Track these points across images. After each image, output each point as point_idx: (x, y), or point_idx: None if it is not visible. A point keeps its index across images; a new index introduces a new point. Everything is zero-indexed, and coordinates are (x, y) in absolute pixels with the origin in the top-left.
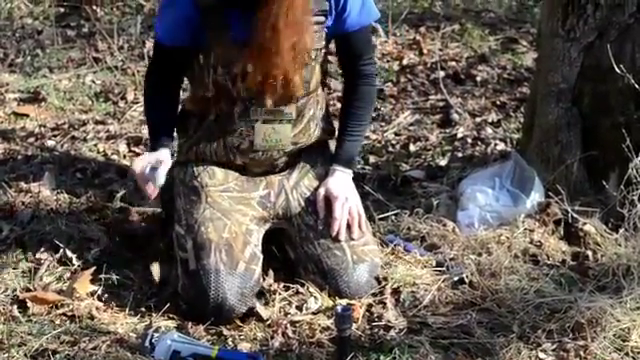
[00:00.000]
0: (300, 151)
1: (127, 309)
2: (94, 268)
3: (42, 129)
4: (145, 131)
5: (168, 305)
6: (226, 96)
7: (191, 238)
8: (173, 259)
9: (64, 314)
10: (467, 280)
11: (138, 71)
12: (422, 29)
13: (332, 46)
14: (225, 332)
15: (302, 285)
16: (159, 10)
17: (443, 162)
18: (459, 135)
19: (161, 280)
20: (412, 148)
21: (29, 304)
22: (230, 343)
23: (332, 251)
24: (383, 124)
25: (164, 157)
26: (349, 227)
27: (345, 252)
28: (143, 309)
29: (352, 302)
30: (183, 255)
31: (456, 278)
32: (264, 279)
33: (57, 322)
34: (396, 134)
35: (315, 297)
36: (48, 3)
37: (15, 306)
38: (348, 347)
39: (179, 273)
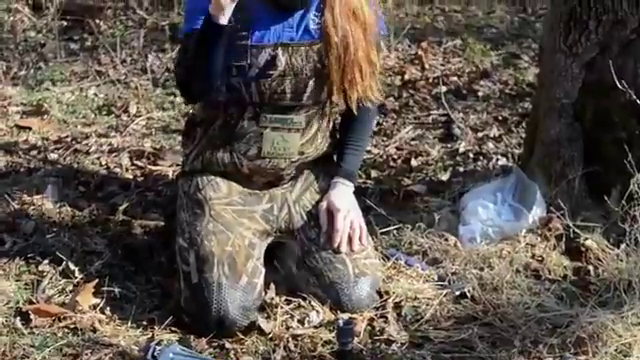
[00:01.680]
0: (305, 164)
1: (129, 322)
2: (96, 281)
3: (45, 142)
4: (147, 144)
5: (170, 318)
6: (237, 100)
7: (194, 251)
8: (176, 272)
9: (66, 327)
10: (469, 295)
11: (141, 84)
12: (424, 44)
13: None
14: (227, 345)
15: (304, 299)
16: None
17: (445, 177)
18: (461, 150)
19: (164, 293)
20: (414, 163)
21: (32, 316)
22: (232, 356)
23: (334, 264)
24: (385, 138)
25: None
26: (350, 240)
27: (347, 266)
28: (145, 322)
29: (354, 316)
30: (185, 268)
31: (458, 292)
32: (266, 292)
33: (59, 335)
34: (398, 148)
35: (317, 311)
36: (51, 16)
37: (18, 318)
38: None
39: (181, 286)
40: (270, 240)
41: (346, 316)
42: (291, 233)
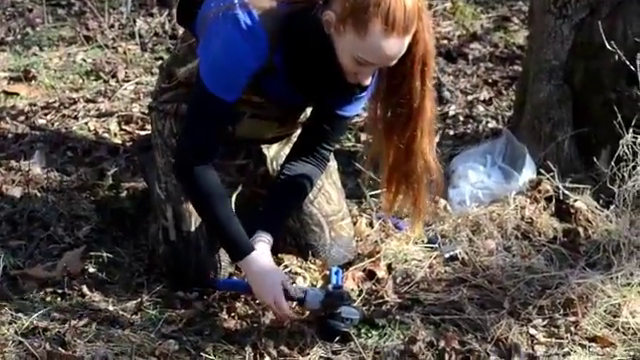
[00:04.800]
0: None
1: (117, 287)
2: (85, 246)
3: (32, 108)
4: (136, 109)
5: (158, 283)
6: (249, 103)
7: (171, 206)
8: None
9: (54, 292)
10: (459, 257)
11: (129, 49)
12: None
13: None
14: (216, 310)
15: (286, 267)
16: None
17: (435, 140)
18: (451, 113)
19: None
20: None
21: (19, 281)
22: (221, 320)
23: (310, 227)
24: None
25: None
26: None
27: (323, 229)
28: (134, 286)
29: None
30: (164, 222)
31: (447, 255)
32: None
33: (47, 300)
34: None
35: (304, 277)
36: None
37: (6, 283)
38: (339, 323)
39: (159, 237)
40: (240, 189)
41: (335, 279)
42: (266, 187)
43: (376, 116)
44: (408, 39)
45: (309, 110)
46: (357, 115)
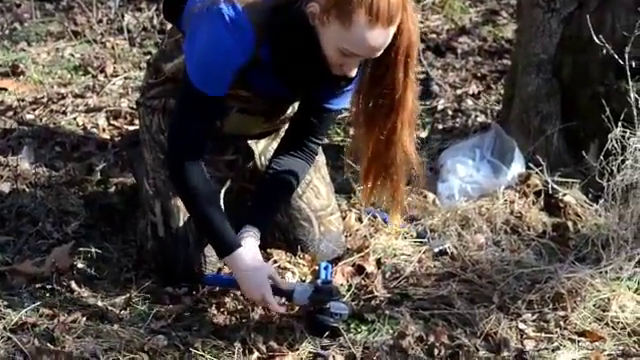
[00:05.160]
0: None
1: (106, 282)
2: (73, 241)
3: (21, 103)
4: (124, 104)
5: (147, 278)
6: (236, 98)
7: (159, 202)
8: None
9: (43, 287)
10: (448, 252)
11: (117, 44)
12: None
13: None
14: (205, 305)
15: (275, 262)
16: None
17: (423, 134)
18: (439, 107)
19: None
20: None
21: (8, 277)
22: (210, 315)
23: (299, 221)
24: None
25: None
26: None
27: (312, 223)
28: (122, 282)
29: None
30: (152, 218)
31: (437, 250)
32: None
33: (36, 295)
34: None
35: (292, 272)
36: None
37: None
38: (328, 318)
39: (148, 232)
40: (229, 184)
41: (324, 274)
42: (255, 182)
43: (358, 108)
44: (393, 30)
45: (296, 105)
46: (345, 109)
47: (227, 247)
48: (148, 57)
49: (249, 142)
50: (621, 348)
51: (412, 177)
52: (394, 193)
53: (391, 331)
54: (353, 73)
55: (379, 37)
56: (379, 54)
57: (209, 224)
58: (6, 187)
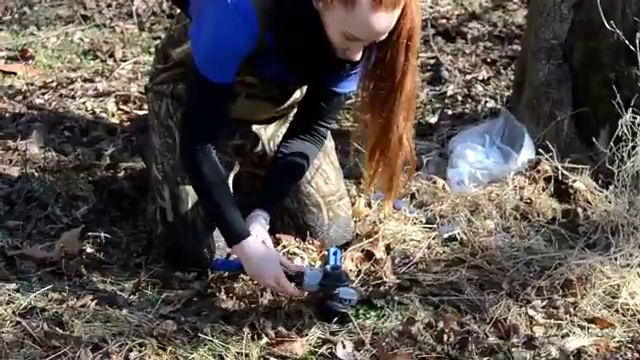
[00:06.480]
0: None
1: (115, 267)
2: (82, 226)
3: (30, 87)
4: (134, 89)
5: (156, 263)
6: (244, 84)
7: (168, 187)
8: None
9: (52, 272)
10: (458, 237)
11: (127, 29)
12: None
13: None
14: (215, 290)
15: (284, 247)
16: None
17: (433, 120)
18: (449, 93)
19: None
20: None
21: (17, 261)
22: (220, 300)
23: (308, 207)
24: None
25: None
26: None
27: (321, 209)
28: (131, 267)
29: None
30: (161, 203)
31: (446, 235)
32: None
33: (45, 280)
34: None
35: (301, 257)
36: None
37: (3, 263)
38: (337, 304)
39: (157, 217)
40: (238, 169)
41: (333, 260)
42: (264, 168)
43: (363, 92)
44: (397, 13)
45: (304, 89)
46: (353, 92)
47: (236, 235)
48: (157, 42)
49: (257, 127)
50: (631, 335)
51: (406, 163)
52: (391, 177)
53: (400, 317)
54: (357, 57)
55: (383, 21)
56: (383, 38)
57: (219, 212)
58: (15, 171)
